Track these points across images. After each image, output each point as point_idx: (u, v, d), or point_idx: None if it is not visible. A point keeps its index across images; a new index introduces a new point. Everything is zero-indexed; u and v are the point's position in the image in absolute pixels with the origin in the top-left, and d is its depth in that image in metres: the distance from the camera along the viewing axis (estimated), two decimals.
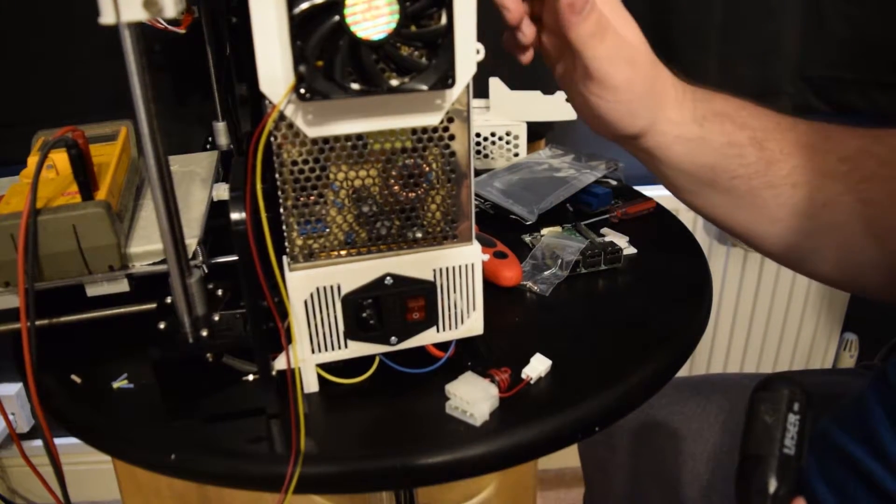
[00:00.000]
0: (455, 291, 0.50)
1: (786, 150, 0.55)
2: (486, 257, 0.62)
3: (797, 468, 0.40)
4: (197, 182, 0.69)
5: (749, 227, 0.58)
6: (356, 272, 0.47)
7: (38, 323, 0.52)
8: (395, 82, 0.41)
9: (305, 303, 0.47)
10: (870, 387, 0.49)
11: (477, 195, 0.77)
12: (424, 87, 0.41)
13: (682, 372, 0.58)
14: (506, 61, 0.55)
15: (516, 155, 0.89)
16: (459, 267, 0.49)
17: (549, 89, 0.89)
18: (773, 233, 0.57)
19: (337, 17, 0.38)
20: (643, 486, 0.76)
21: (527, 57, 0.55)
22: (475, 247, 0.49)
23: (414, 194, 0.46)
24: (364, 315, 0.48)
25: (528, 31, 0.53)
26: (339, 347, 0.49)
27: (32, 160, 0.58)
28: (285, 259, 0.47)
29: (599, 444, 0.81)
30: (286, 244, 0.46)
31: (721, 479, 0.67)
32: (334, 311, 0.48)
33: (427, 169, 0.46)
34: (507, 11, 0.51)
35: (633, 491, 0.77)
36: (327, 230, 0.46)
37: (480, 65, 0.44)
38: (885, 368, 0.48)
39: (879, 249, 0.53)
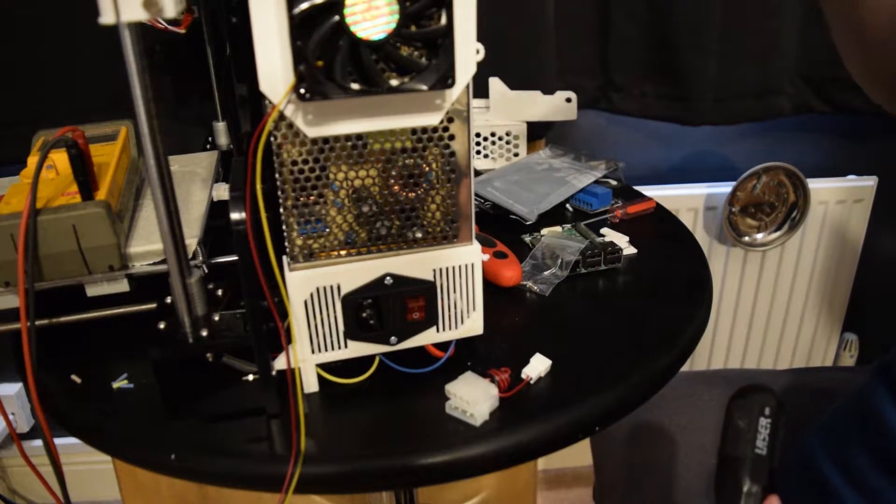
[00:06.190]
0: (455, 291, 0.50)
1: None
2: (486, 257, 0.62)
3: (769, 468, 0.43)
4: (197, 182, 0.69)
5: None
6: (356, 272, 0.47)
7: (38, 323, 0.52)
8: (395, 82, 0.41)
9: (305, 303, 0.47)
10: (873, 373, 0.49)
11: (477, 195, 0.77)
12: (424, 87, 0.41)
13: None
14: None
15: (516, 155, 0.89)
16: (459, 267, 0.49)
17: (549, 89, 0.89)
18: None
19: (337, 17, 0.38)
20: (651, 478, 0.76)
21: None
22: (475, 247, 0.49)
23: (414, 194, 0.46)
24: (364, 315, 0.48)
25: None
26: (339, 347, 0.49)
27: (32, 160, 0.58)
28: (285, 259, 0.47)
29: (610, 436, 0.81)
30: (286, 244, 0.46)
31: None
32: (334, 311, 0.48)
33: (427, 169, 0.46)
34: None
35: (640, 483, 0.77)
36: (327, 230, 0.46)
37: (480, 65, 0.44)
38: (890, 360, 0.47)
39: None
